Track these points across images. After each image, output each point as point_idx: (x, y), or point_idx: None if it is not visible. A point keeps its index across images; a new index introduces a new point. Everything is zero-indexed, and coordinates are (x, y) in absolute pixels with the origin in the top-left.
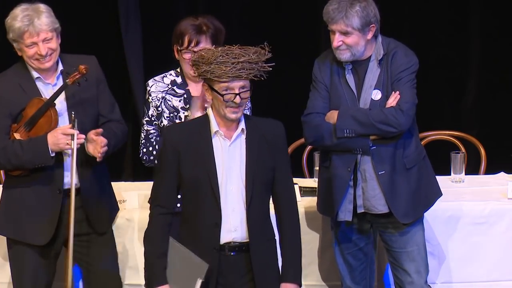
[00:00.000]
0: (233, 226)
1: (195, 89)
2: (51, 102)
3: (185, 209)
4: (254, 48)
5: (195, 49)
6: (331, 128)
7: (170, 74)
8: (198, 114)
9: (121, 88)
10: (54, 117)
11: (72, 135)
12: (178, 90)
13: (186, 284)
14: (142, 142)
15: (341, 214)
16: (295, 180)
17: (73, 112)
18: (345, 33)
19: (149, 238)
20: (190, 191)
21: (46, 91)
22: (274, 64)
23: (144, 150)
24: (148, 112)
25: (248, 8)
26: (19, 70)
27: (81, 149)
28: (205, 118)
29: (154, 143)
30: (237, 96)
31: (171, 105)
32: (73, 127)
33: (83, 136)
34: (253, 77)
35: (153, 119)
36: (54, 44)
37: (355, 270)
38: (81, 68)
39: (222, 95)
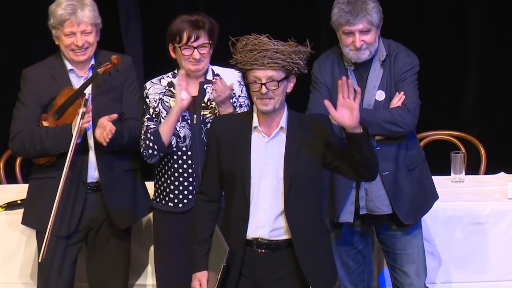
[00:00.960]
0: (262, 223)
1: (191, 87)
2: (81, 91)
3: (225, 201)
4: (291, 41)
5: (195, 45)
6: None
7: (168, 76)
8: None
9: None
10: (82, 104)
11: (83, 114)
12: (174, 91)
13: (216, 270)
14: (142, 137)
15: (342, 216)
16: None
17: (88, 93)
18: (366, 32)
19: (192, 224)
20: (227, 183)
21: (78, 84)
22: (308, 59)
23: (144, 145)
24: (148, 110)
25: (248, 8)
26: (54, 61)
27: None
28: (250, 113)
29: (151, 136)
30: (263, 86)
31: (168, 105)
32: (83, 105)
33: (90, 115)
34: (281, 68)
35: (153, 116)
36: (92, 38)
37: (353, 272)
38: (113, 58)
39: (250, 84)
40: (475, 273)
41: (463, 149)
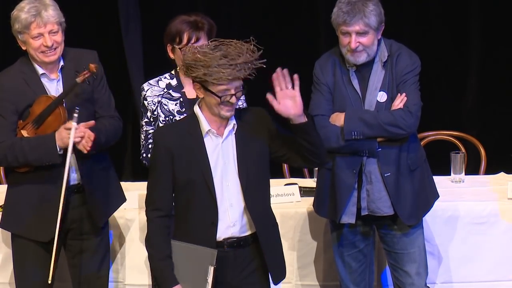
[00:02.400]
0: (232, 222)
1: (190, 90)
2: (60, 101)
3: (178, 210)
4: (246, 45)
5: (196, 44)
6: (338, 130)
7: (165, 77)
8: None
9: (121, 88)
10: (63, 114)
11: (75, 129)
12: (174, 94)
13: (198, 277)
14: (143, 143)
15: (344, 216)
16: (295, 180)
17: (77, 108)
18: (363, 33)
19: (150, 243)
20: (184, 192)
21: (51, 87)
22: (265, 60)
23: (144, 153)
24: (146, 114)
25: (247, 9)
26: (24, 66)
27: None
28: (193, 118)
29: (151, 145)
30: (233, 97)
31: (167, 109)
32: (71, 120)
33: (82, 129)
34: (249, 76)
35: (151, 120)
36: (60, 37)
37: (354, 271)
38: (91, 67)
39: (220, 97)
40: (475, 273)
41: (463, 149)
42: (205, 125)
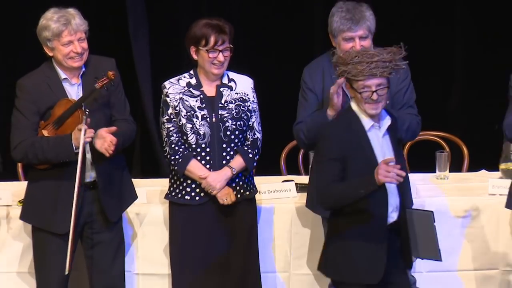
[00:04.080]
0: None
1: (208, 89)
2: (79, 105)
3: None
4: (389, 48)
5: (220, 48)
6: (304, 135)
7: (184, 77)
8: None
9: (130, 91)
10: (81, 117)
11: (85, 130)
12: (194, 91)
13: (429, 237)
14: (165, 140)
15: None
16: (291, 177)
17: (87, 110)
18: (365, 37)
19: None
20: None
21: (72, 91)
22: (407, 62)
23: (167, 149)
24: (167, 111)
25: (247, 13)
26: (47, 71)
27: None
28: (351, 114)
29: (173, 142)
30: (374, 93)
31: (189, 105)
32: (82, 122)
33: (92, 131)
34: (387, 74)
35: (172, 117)
36: (86, 44)
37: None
38: (110, 74)
39: (360, 93)
40: (459, 263)
41: (447, 149)
42: (366, 121)
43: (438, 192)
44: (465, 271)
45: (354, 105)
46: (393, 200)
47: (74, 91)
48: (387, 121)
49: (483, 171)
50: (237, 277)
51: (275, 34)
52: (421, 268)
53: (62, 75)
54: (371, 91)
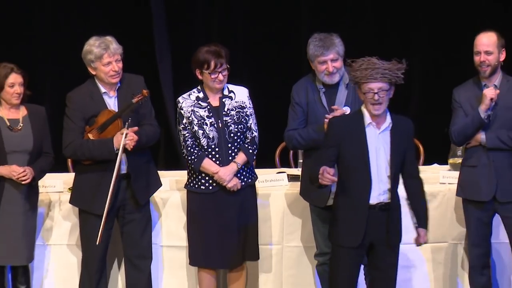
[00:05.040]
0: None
1: (213, 100)
2: (120, 115)
3: (339, 179)
4: (392, 61)
5: (219, 70)
6: (296, 135)
7: (194, 92)
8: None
9: (156, 101)
10: (120, 125)
11: (126, 134)
12: (202, 103)
13: None
14: (182, 144)
15: (330, 200)
16: (284, 169)
17: (129, 119)
18: (335, 60)
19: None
20: (345, 167)
21: (110, 102)
22: (402, 76)
23: (185, 152)
24: (182, 121)
25: (250, 41)
26: (91, 86)
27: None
28: (359, 114)
29: (189, 146)
30: (376, 95)
31: (199, 115)
32: (125, 128)
33: (132, 134)
34: (388, 81)
35: (186, 125)
36: (121, 64)
37: (326, 238)
38: (144, 92)
39: (365, 94)
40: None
41: None
42: (367, 119)
43: (400, 181)
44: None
45: (362, 107)
46: (382, 185)
47: (112, 102)
48: (386, 123)
49: (435, 165)
50: (240, 248)
51: (270, 54)
52: None
53: (102, 89)
54: (373, 92)
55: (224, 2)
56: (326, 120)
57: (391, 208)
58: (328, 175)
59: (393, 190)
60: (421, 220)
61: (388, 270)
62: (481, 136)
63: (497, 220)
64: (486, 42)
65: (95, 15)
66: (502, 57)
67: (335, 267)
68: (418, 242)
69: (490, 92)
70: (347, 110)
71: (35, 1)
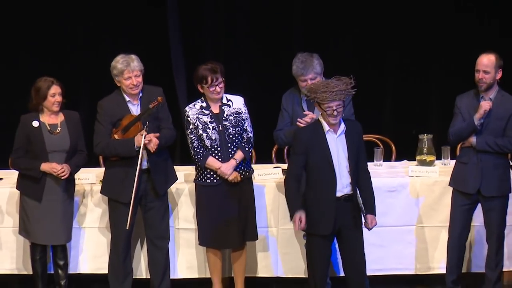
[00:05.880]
0: (343, 185)
1: (214, 108)
2: (139, 118)
3: (310, 179)
4: (344, 79)
5: (216, 83)
6: (283, 136)
7: (198, 102)
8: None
9: (173, 108)
10: (140, 127)
11: (145, 135)
12: (205, 111)
13: None
14: (190, 146)
15: None
16: (279, 164)
17: (148, 122)
18: (314, 78)
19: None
20: (314, 168)
21: (133, 109)
22: (355, 90)
23: (193, 152)
24: (189, 127)
25: (249, 56)
26: (117, 95)
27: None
28: (319, 123)
29: (196, 147)
30: (335, 111)
31: (203, 120)
32: (144, 130)
33: (155, 140)
34: (343, 98)
35: (192, 130)
36: (141, 79)
37: None
38: (159, 99)
39: (326, 111)
40: (389, 221)
41: (381, 146)
42: (325, 127)
43: (375, 174)
44: (393, 227)
45: (320, 118)
46: (344, 180)
47: (134, 108)
48: (341, 128)
49: (405, 161)
50: (241, 229)
51: (267, 70)
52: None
53: (127, 98)
54: (333, 109)
55: (230, 25)
56: (299, 123)
57: (353, 198)
58: (300, 224)
59: (353, 183)
60: (370, 207)
61: (357, 249)
62: (473, 139)
63: (478, 208)
64: (486, 62)
65: (124, 37)
66: (499, 76)
67: (311, 252)
68: (368, 226)
69: (485, 105)
70: (315, 115)
71: (75, 24)
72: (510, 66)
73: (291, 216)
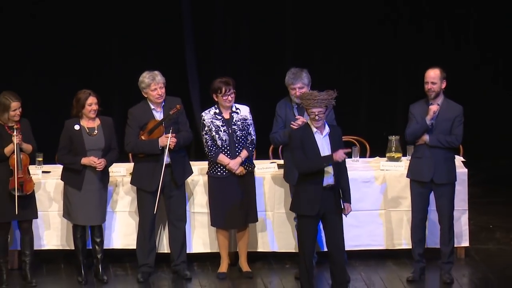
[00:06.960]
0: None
1: (225, 114)
2: (161, 123)
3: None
4: (329, 91)
5: (228, 93)
6: (278, 137)
7: (212, 109)
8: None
9: (189, 114)
10: (162, 130)
11: (170, 137)
12: (218, 116)
13: None
14: (204, 144)
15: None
16: (274, 160)
17: (172, 127)
18: (302, 87)
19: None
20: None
21: (157, 115)
22: (334, 102)
23: (207, 151)
24: (204, 129)
25: (251, 71)
26: (144, 104)
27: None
28: (308, 125)
29: (209, 145)
30: (316, 116)
31: (216, 124)
32: (169, 133)
33: (174, 139)
34: (324, 106)
35: (207, 132)
36: (164, 90)
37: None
38: (178, 106)
39: (310, 115)
40: (364, 206)
41: (358, 145)
42: (314, 129)
43: (354, 168)
44: (367, 211)
45: (309, 121)
46: (329, 172)
47: (158, 115)
48: (326, 130)
49: (377, 157)
50: (244, 213)
51: (266, 85)
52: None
53: (152, 106)
54: (315, 114)
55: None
56: (292, 125)
57: (335, 187)
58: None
59: (336, 175)
60: (347, 197)
61: (338, 229)
62: (426, 137)
63: (432, 195)
64: (433, 75)
65: (148, 56)
66: (444, 85)
67: (301, 231)
68: (344, 213)
69: (434, 107)
70: (305, 119)
71: (107, 44)
72: (453, 76)
73: (323, 165)
